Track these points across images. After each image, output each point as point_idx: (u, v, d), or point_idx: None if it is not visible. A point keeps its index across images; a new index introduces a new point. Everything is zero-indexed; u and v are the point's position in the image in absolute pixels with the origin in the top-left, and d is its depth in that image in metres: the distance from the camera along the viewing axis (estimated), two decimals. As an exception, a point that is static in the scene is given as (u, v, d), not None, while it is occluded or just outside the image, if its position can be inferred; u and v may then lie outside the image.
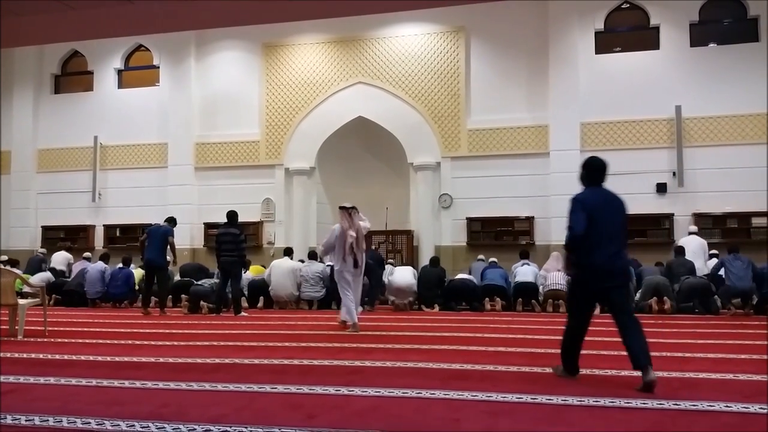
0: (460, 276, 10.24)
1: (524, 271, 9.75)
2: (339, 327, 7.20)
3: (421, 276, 10.05)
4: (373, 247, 12.32)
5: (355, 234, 7.04)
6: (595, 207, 4.02)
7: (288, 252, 10.79)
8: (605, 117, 12.44)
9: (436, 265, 10.24)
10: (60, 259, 12.21)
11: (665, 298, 8.87)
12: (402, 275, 9.86)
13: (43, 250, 13.75)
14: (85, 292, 10.55)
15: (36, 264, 12.36)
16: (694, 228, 10.88)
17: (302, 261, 10.67)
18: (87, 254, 12.34)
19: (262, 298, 10.16)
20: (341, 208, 7.33)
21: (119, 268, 10.71)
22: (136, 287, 10.46)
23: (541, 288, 9.52)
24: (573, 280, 4.26)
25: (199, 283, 9.79)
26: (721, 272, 8.86)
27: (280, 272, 9.99)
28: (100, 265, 10.92)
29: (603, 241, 3.98)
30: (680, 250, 9.78)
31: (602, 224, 3.99)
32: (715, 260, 9.51)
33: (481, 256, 11.52)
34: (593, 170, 4.17)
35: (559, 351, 4.25)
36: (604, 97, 12.45)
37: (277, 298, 10.02)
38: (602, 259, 3.97)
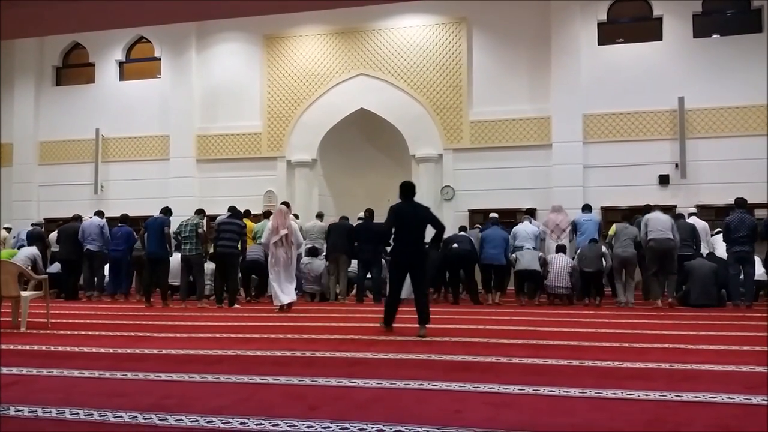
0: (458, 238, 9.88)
1: (528, 259, 9.52)
2: (282, 311, 8.14)
3: None
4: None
5: (287, 231, 8.32)
6: (403, 214, 6.05)
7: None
8: (608, 108, 12.37)
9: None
10: (54, 238, 12.01)
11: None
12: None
13: (40, 221, 13.23)
14: (78, 254, 10.22)
15: (36, 241, 12.12)
16: (693, 209, 10.79)
17: (296, 216, 10.80)
18: (77, 214, 12.23)
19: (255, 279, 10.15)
20: (281, 207, 8.64)
21: (119, 225, 10.41)
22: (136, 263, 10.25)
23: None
24: (390, 264, 6.52)
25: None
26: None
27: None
28: (96, 219, 10.49)
29: (409, 238, 6.02)
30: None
31: (408, 226, 6.02)
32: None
33: (477, 225, 11.34)
34: (405, 189, 6.18)
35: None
36: (606, 89, 12.38)
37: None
38: (407, 249, 6.03)
